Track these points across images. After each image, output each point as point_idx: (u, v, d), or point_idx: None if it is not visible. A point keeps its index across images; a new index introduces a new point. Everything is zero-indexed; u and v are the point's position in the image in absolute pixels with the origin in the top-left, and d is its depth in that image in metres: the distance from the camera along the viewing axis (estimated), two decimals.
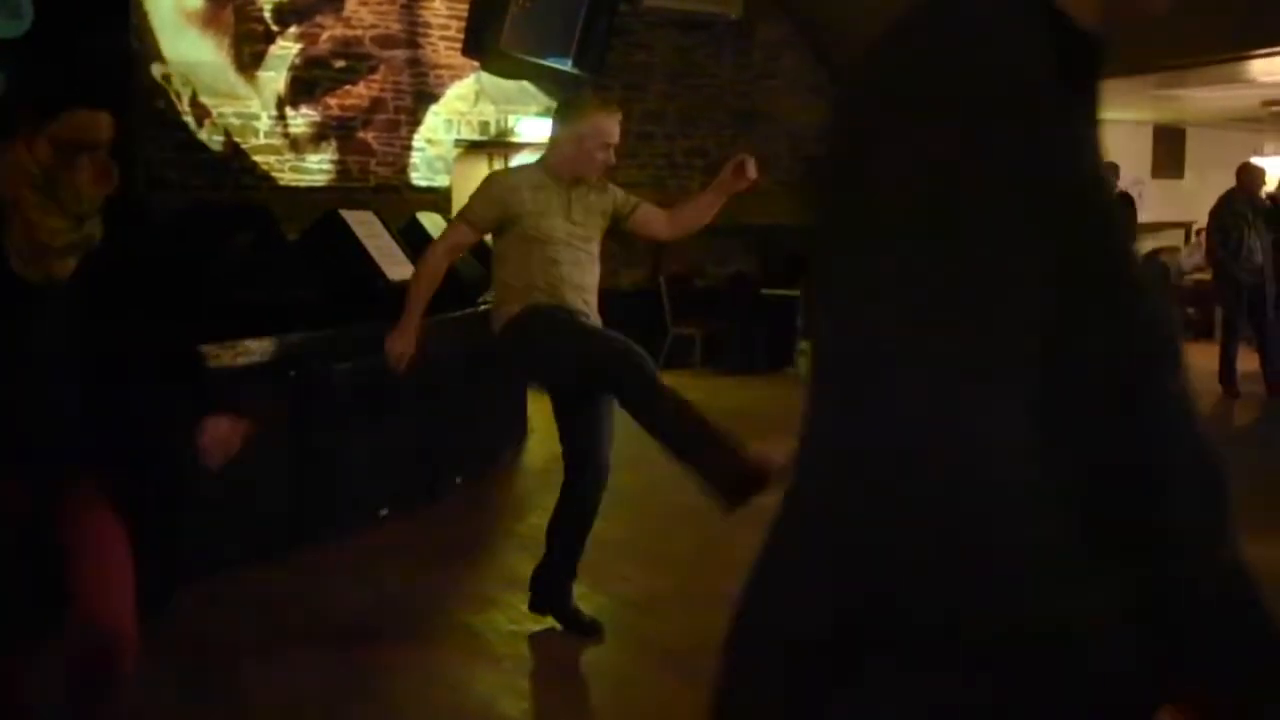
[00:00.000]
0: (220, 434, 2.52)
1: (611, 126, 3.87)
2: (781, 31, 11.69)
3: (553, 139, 3.98)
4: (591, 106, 3.97)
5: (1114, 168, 9.69)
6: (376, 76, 9.61)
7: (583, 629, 4.07)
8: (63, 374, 2.41)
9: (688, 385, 7.95)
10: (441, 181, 9.98)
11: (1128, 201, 9.49)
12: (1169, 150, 15.45)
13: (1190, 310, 13.86)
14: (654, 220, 4.12)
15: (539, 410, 8.48)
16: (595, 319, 3.93)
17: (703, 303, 10.99)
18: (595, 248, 3.98)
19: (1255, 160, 11.58)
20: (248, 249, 5.26)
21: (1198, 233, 14.30)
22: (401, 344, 3.76)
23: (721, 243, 11.37)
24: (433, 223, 6.89)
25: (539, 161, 4.06)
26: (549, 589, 4.07)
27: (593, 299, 3.96)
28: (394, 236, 6.17)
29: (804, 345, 10.28)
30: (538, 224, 3.81)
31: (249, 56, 8.97)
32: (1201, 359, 10.34)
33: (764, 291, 10.86)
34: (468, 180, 10.54)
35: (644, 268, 10.84)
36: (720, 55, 11.42)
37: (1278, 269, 9.09)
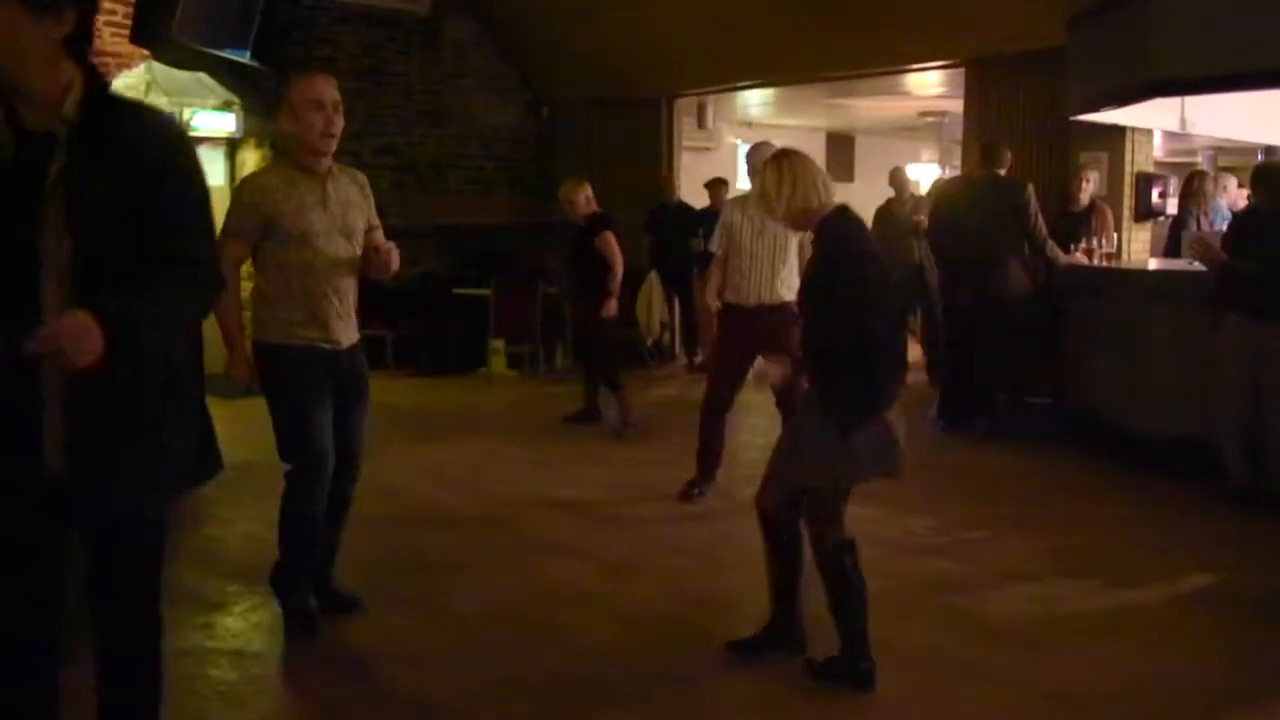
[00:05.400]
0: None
1: (316, 87, 3.86)
2: (470, 30, 11.70)
3: (283, 132, 3.95)
4: (294, 79, 3.98)
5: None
6: None
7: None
8: None
9: (381, 387, 7.81)
10: None
11: None
12: (840, 155, 16.48)
13: None
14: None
15: (220, 417, 8.11)
16: (344, 317, 4.14)
17: (393, 303, 10.82)
18: (355, 245, 4.05)
19: (911, 166, 12.52)
20: None
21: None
22: (240, 372, 4.01)
23: (411, 242, 11.21)
24: None
25: (285, 159, 4.05)
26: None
27: (349, 296, 4.14)
28: None
29: (495, 344, 10.36)
30: (294, 222, 3.83)
31: None
32: None
33: (455, 291, 10.81)
34: None
35: None
36: (409, 52, 11.31)
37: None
